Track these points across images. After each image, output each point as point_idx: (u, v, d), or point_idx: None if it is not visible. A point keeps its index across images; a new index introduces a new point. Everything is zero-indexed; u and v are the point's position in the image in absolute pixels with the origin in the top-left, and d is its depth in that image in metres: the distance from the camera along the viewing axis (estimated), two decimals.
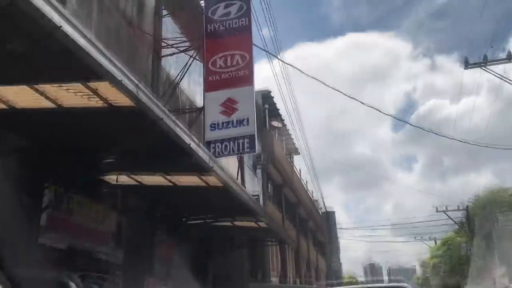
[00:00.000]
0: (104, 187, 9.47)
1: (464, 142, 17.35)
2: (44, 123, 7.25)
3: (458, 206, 31.21)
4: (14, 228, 6.78)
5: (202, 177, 9.92)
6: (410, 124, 48.67)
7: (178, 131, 8.18)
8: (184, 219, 12.79)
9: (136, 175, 9.94)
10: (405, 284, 7.17)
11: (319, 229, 38.73)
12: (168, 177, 10.07)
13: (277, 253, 24.76)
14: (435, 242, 40.50)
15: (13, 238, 6.81)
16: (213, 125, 13.45)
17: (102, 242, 9.98)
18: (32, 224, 7.88)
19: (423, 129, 16.26)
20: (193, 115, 14.19)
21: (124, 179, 9.70)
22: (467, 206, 30.50)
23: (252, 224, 13.79)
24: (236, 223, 13.86)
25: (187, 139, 8.48)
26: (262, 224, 13.94)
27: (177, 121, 8.31)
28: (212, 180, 9.99)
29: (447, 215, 31.25)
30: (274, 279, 22.61)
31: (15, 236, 6.89)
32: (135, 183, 10.08)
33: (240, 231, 15.09)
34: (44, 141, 7.62)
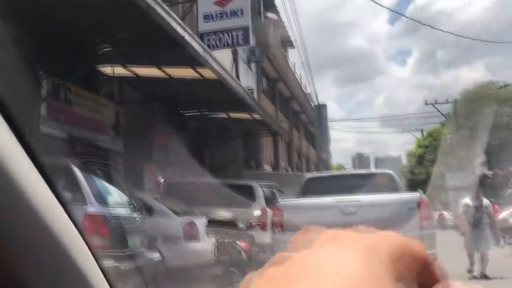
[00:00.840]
0: (101, 79, 9.62)
1: (459, 36, 17.22)
2: (37, 13, 7.18)
3: (446, 99, 31.75)
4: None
5: (196, 69, 10.03)
6: (406, 17, 47.31)
7: (171, 21, 8.12)
8: (180, 111, 13.12)
9: (131, 67, 10.03)
10: (389, 171, 7.70)
11: (311, 122, 39.58)
12: (163, 69, 10.18)
13: (270, 144, 25.63)
14: (422, 134, 41.81)
15: None
16: (206, 16, 13.17)
17: (101, 131, 10.38)
18: (33, 114, 8.16)
19: (419, 22, 15.95)
20: (187, 6, 13.81)
21: (119, 71, 9.81)
22: (455, 100, 31.05)
23: (247, 116, 14.19)
24: (231, 115, 14.25)
25: (180, 31, 8.45)
26: (256, 116, 14.35)
27: (169, 11, 8.20)
28: (206, 73, 10.11)
29: (435, 108, 31.87)
30: (267, 168, 23.71)
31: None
32: (131, 75, 10.21)
33: (235, 122, 15.55)
34: (38, 33, 7.59)
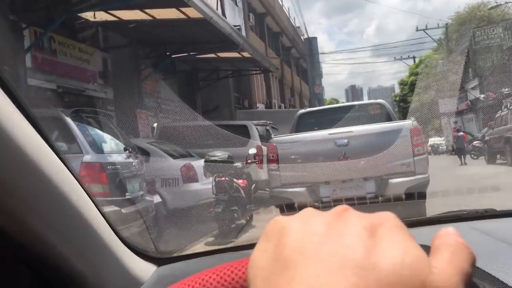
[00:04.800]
0: (84, 26, 9.37)
1: None
2: None
3: (438, 24, 31.22)
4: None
5: (181, 9, 9.76)
6: None
7: None
8: (168, 54, 12.88)
9: (113, 10, 9.73)
10: (380, 100, 7.73)
11: (302, 56, 39.05)
12: (146, 11, 9.89)
13: (262, 82, 25.43)
14: (414, 61, 41.42)
15: None
16: None
17: (90, 80, 10.26)
18: (18, 67, 8.00)
19: None
20: None
21: (102, 15, 9.53)
22: (446, 24, 30.55)
23: (236, 54, 13.97)
24: (220, 54, 14.02)
25: None
26: (245, 54, 14.13)
27: None
28: (191, 12, 9.85)
29: (426, 33, 31.40)
30: (260, 106, 23.68)
31: None
32: (114, 19, 9.93)
33: (225, 62, 15.32)
34: None
